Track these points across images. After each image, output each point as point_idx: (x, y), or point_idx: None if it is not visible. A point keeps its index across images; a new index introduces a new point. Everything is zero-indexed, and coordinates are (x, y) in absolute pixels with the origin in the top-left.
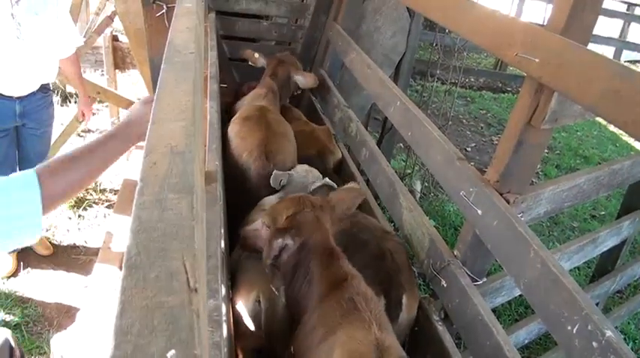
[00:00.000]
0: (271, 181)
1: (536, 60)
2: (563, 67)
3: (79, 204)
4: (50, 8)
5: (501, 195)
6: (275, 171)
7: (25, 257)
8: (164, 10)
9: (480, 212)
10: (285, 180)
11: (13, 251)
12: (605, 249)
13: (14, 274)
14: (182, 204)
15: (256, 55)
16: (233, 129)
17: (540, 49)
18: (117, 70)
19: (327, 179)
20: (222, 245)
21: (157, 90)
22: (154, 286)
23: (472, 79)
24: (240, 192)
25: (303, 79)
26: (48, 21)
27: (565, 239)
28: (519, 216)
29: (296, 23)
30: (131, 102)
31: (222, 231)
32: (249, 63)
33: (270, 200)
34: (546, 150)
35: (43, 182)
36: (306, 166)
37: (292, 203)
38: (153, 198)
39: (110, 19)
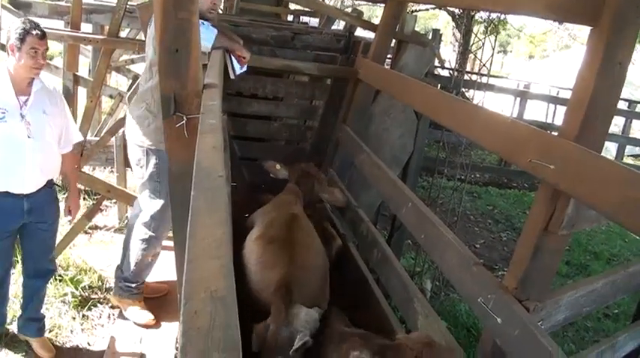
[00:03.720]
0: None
1: (552, 166)
2: (580, 174)
3: (84, 303)
4: (56, 106)
5: (520, 302)
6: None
7: None
8: (184, 122)
9: (499, 320)
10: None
11: None
12: (624, 354)
13: None
14: None
15: (278, 166)
16: (255, 250)
17: (555, 156)
18: (127, 168)
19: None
20: None
21: (189, 222)
22: None
23: (477, 175)
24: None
25: (330, 198)
26: (54, 118)
27: (579, 340)
28: (539, 323)
29: (305, 124)
30: None
31: None
32: (271, 175)
33: None
34: None
35: None
36: (307, 314)
37: None
38: None
39: (123, 121)
